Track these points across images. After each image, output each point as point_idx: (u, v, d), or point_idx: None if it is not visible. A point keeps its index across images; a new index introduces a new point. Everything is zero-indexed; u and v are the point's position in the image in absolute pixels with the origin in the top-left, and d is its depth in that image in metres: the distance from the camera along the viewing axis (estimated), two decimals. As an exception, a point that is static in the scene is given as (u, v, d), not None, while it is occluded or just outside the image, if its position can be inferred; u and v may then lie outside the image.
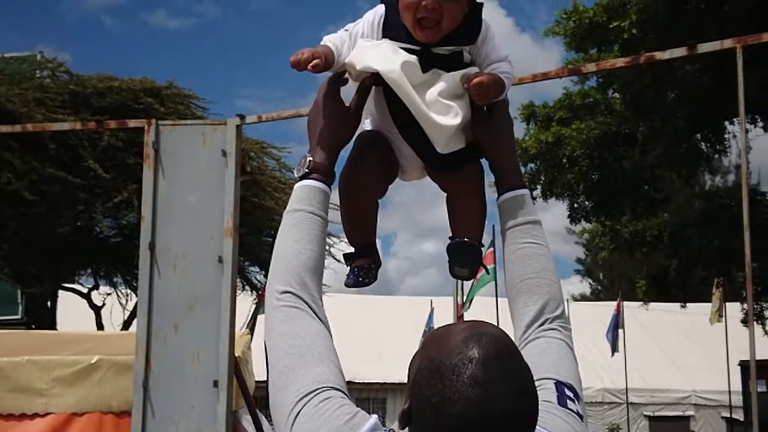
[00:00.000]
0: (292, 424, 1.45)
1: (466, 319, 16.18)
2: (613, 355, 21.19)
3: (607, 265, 40.34)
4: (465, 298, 16.98)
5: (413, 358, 1.40)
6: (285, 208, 1.78)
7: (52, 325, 14.17)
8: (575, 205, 17.22)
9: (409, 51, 1.79)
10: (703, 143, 16.18)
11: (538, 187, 16.96)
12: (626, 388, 22.18)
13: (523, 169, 18.11)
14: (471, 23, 1.84)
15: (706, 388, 24.04)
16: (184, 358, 4.37)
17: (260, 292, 14.26)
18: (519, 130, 18.08)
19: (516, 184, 1.85)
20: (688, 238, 16.05)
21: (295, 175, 1.80)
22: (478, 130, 1.86)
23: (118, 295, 15.03)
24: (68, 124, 8.93)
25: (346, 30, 1.88)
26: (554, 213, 38.34)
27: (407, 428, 1.35)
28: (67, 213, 11.74)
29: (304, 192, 1.76)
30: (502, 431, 1.26)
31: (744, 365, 16.40)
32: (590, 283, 49.57)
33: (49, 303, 14.98)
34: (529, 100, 17.64)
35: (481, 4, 1.86)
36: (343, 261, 2.01)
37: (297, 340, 1.56)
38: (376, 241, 2.02)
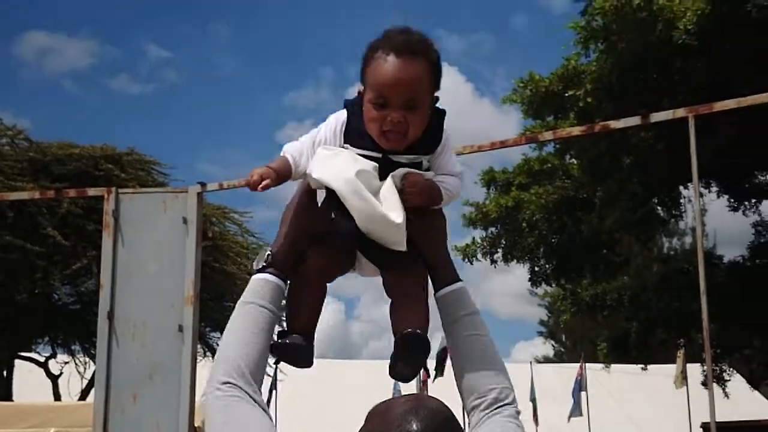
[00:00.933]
0: None
1: (430, 384, 16.12)
2: (569, 420, 21.04)
3: (569, 328, 40.45)
4: (434, 364, 17.02)
5: None
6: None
7: (7, 395, 13.84)
8: (536, 269, 17.35)
9: (370, 158, 1.80)
10: (659, 207, 16.45)
11: (499, 250, 17.09)
12: (590, 452, 22.05)
13: (483, 233, 18.15)
14: (432, 132, 1.86)
15: (669, 450, 24.03)
16: (143, 429, 4.30)
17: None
18: (479, 194, 18.28)
19: (451, 278, 1.89)
20: (648, 302, 16.19)
21: (254, 267, 1.83)
22: (410, 228, 1.83)
23: (76, 364, 14.75)
24: (27, 194, 8.87)
25: (310, 136, 1.88)
26: (516, 275, 38.49)
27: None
28: (25, 280, 11.57)
29: (258, 285, 1.81)
30: None
31: (706, 427, 16.45)
32: (553, 345, 49.68)
33: (5, 372, 14.65)
34: (489, 166, 17.96)
35: (444, 112, 1.89)
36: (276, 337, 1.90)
37: (239, 428, 1.58)
38: (315, 331, 1.94)
